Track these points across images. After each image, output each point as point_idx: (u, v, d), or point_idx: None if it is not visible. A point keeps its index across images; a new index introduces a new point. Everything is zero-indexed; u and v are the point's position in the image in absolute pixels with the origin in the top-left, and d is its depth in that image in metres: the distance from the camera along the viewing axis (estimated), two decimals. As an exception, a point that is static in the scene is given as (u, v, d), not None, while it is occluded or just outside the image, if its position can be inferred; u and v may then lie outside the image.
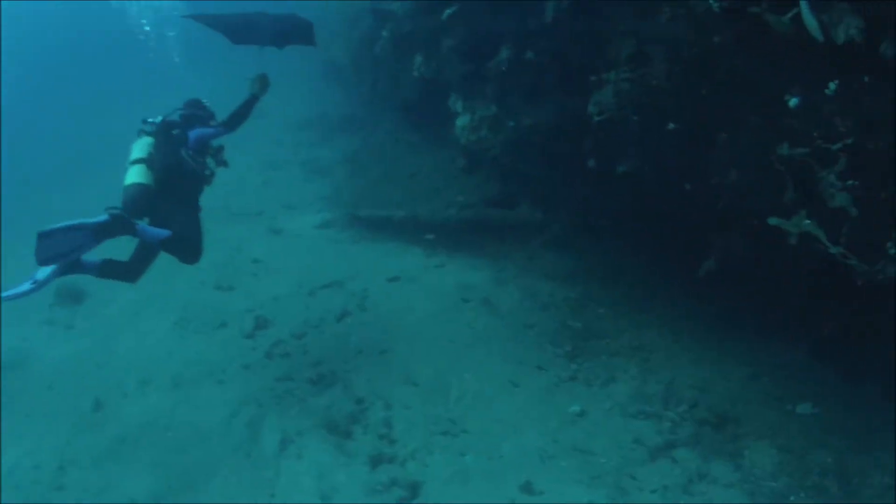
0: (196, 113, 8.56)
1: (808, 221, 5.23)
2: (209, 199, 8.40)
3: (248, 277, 12.41)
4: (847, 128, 4.87)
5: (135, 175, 7.64)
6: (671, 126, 6.13)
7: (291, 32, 8.75)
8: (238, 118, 8.30)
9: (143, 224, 7.48)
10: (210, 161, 8.43)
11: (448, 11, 9.05)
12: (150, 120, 8.18)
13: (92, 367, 10.55)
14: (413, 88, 12.45)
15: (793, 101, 5.22)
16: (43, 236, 6.78)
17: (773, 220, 5.41)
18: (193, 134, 8.17)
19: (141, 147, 7.83)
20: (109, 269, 7.73)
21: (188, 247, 7.80)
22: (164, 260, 8.00)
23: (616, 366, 8.82)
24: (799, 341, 8.29)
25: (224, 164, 8.56)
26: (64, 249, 6.87)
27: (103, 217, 7.16)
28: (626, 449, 7.48)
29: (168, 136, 8.01)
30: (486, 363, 9.11)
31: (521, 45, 7.48)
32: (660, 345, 9.05)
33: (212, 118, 8.60)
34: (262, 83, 8.39)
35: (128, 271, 7.88)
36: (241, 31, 8.47)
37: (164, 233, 7.49)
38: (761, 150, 5.55)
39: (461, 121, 9.12)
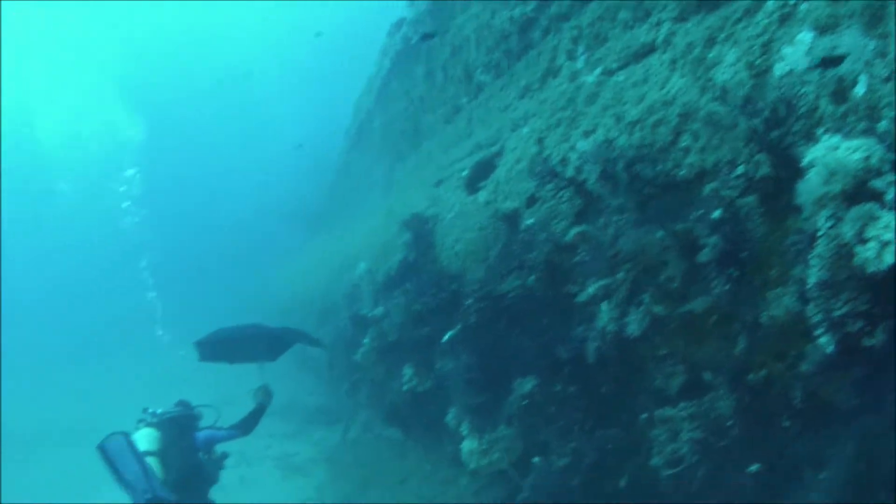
0: (187, 413, 8.45)
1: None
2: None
3: None
4: None
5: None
6: (753, 468, 5.56)
7: (289, 343, 9.34)
8: (251, 424, 8.43)
9: None
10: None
11: (449, 334, 8.74)
12: (150, 410, 8.08)
13: None
14: (401, 396, 12.03)
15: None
16: None
17: None
18: (202, 436, 8.16)
19: (148, 439, 7.65)
20: None
21: None
22: None
23: None
24: None
25: (222, 468, 8.48)
26: None
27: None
28: None
29: (172, 433, 7.89)
30: None
31: (547, 377, 7.08)
32: None
33: (199, 420, 8.50)
34: (266, 393, 8.67)
35: None
36: (239, 353, 9.12)
37: None
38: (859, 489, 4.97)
39: (468, 445, 8.58)
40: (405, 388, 10.78)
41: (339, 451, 16.51)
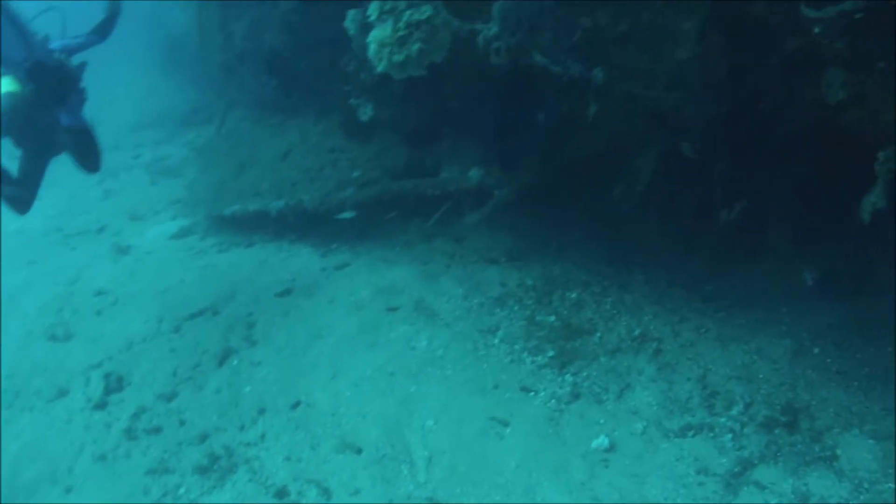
0: (31, 38, 7.16)
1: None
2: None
3: (91, 317, 9.17)
4: None
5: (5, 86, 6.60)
6: None
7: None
8: (107, 28, 7.74)
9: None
10: None
11: None
12: None
13: None
14: (281, 28, 9.45)
15: None
16: None
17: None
18: (56, 46, 7.30)
19: None
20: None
21: (92, 145, 7.39)
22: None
23: (623, 367, 6.43)
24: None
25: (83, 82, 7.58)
26: None
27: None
28: (693, 486, 5.25)
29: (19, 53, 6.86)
30: (450, 397, 6.38)
31: None
32: (666, 330, 6.76)
33: (47, 40, 7.40)
34: (115, 5, 7.81)
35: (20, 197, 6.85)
36: None
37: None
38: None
39: (377, 33, 5.96)
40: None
41: (214, 143, 14.12)
